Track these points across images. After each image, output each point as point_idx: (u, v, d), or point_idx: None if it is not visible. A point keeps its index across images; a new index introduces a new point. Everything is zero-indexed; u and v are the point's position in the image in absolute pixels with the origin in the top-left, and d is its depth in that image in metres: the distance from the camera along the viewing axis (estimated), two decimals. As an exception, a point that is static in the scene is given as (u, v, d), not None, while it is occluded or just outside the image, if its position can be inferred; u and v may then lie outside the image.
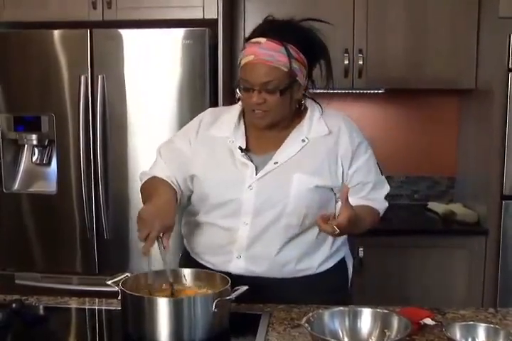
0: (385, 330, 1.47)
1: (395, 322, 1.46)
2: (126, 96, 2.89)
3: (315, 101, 1.90)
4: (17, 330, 1.66)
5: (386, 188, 1.97)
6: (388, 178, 3.51)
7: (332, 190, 1.85)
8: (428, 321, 1.62)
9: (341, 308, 1.52)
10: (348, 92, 3.47)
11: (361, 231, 1.84)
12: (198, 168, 1.87)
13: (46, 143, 2.99)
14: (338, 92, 3.49)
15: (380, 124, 3.63)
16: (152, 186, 1.88)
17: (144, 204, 1.80)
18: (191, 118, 1.99)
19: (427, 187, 3.65)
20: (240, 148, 1.83)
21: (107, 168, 2.92)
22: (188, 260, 1.97)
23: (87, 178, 2.90)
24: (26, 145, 3.04)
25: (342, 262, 1.98)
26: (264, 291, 1.79)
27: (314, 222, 1.81)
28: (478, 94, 3.24)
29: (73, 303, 1.84)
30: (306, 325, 1.43)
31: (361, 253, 2.94)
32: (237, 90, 1.79)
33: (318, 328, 1.45)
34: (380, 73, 3.21)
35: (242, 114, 1.90)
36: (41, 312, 1.76)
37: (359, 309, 1.52)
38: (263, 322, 1.65)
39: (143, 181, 1.95)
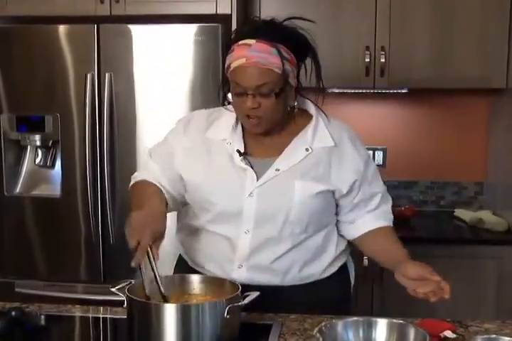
0: (402, 343, 1.49)
1: (412, 333, 1.48)
2: (135, 95, 2.92)
3: (320, 110, 1.93)
4: (16, 340, 1.69)
5: (390, 198, 2.03)
6: (413, 184, 3.62)
7: (333, 194, 1.89)
8: (448, 334, 1.63)
9: (355, 318, 1.54)
10: (369, 92, 3.49)
11: None
12: (194, 173, 1.90)
13: (50, 144, 3.03)
14: (358, 92, 3.51)
15: (404, 126, 3.64)
16: (142, 192, 1.92)
17: (133, 210, 1.82)
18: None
19: (454, 193, 3.65)
20: (239, 151, 1.85)
21: (114, 170, 2.95)
22: (185, 269, 1.98)
23: (92, 181, 2.94)
24: (29, 147, 3.08)
25: (344, 268, 2.02)
26: (265, 300, 1.78)
27: (318, 228, 1.89)
28: (509, 94, 3.24)
29: (76, 311, 1.88)
30: (318, 335, 1.45)
31: (382, 263, 2.95)
32: (229, 95, 1.80)
33: (331, 339, 1.47)
34: (404, 72, 3.22)
35: None
36: (42, 320, 1.78)
37: (374, 319, 1.54)
38: (274, 333, 1.67)
39: (131, 184, 2.01)
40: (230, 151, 1.86)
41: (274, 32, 1.77)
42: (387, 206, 2.01)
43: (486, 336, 1.53)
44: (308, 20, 1.85)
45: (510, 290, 3.05)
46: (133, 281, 1.67)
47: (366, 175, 1.91)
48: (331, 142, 1.87)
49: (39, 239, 3.05)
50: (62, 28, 2.92)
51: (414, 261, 1.78)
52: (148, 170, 2.00)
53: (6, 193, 3.06)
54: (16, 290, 3.04)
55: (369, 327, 1.53)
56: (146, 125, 2.94)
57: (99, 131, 2.93)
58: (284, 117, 1.85)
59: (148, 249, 1.65)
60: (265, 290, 1.79)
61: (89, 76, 2.90)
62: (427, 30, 3.22)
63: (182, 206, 2.00)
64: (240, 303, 1.58)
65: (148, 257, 1.66)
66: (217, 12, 2.94)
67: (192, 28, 2.87)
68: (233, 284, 1.67)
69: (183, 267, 2.00)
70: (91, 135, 2.92)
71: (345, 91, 3.44)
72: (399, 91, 3.40)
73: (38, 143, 3.01)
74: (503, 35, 3.19)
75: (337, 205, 1.94)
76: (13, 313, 1.72)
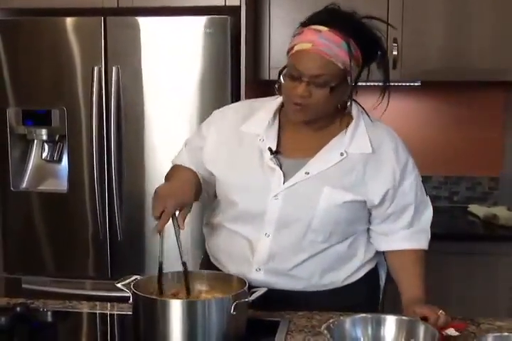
0: (411, 340, 1.49)
1: (421, 330, 1.48)
2: (143, 88, 2.93)
3: (364, 110, 1.88)
4: (21, 336, 1.71)
5: (429, 211, 1.96)
6: (425, 178, 3.52)
7: (365, 206, 1.84)
8: (451, 332, 1.61)
9: (364, 315, 1.54)
10: (381, 85, 3.47)
11: None
12: (219, 167, 1.88)
13: (57, 139, 3.04)
14: (369, 85, 3.49)
15: (417, 120, 3.63)
16: (172, 170, 1.96)
17: None
18: (212, 112, 2.02)
19: (468, 189, 3.64)
20: (270, 149, 1.81)
21: (122, 165, 2.96)
22: (208, 265, 1.99)
23: (100, 176, 2.95)
24: (36, 141, 3.09)
25: (373, 271, 1.99)
26: (283, 304, 1.82)
27: (342, 238, 1.85)
28: (525, 87, 3.23)
29: (81, 308, 1.89)
30: (326, 332, 1.45)
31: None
32: (281, 77, 1.75)
33: (339, 336, 1.48)
34: (417, 64, 3.20)
35: (279, 111, 1.88)
36: (48, 316, 1.79)
37: (383, 316, 1.54)
38: (281, 330, 1.67)
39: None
40: (262, 148, 1.83)
41: (349, 25, 1.72)
42: (423, 222, 1.93)
43: (497, 334, 1.52)
44: (389, 24, 1.85)
45: (524, 287, 3.05)
46: (138, 277, 1.68)
47: (402, 184, 1.84)
48: (369, 148, 1.81)
49: (46, 235, 3.06)
50: (68, 21, 2.92)
51: (423, 304, 1.74)
52: (179, 159, 2.01)
53: (12, 188, 3.07)
54: (23, 286, 3.06)
55: (378, 324, 1.53)
56: (154, 119, 2.94)
57: (106, 125, 2.93)
58: (330, 113, 1.81)
59: (174, 218, 1.70)
60: (284, 295, 1.83)
61: (96, 69, 2.90)
62: (441, 22, 3.20)
63: (213, 199, 1.99)
64: (246, 299, 1.58)
65: (174, 225, 1.70)
66: (226, 4, 2.93)
67: (200, 20, 2.86)
68: (240, 280, 1.67)
69: (207, 262, 2.01)
70: (98, 129, 2.92)
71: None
72: (412, 84, 3.38)
73: (45, 138, 3.02)
74: (519, 26, 3.17)
75: (370, 214, 1.89)
76: (18, 309, 1.74)
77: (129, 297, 1.61)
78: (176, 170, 1.96)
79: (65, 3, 2.99)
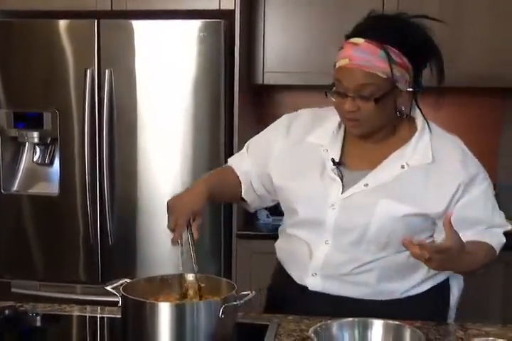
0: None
1: (408, 335, 1.51)
2: (136, 91, 2.97)
3: (426, 120, 1.85)
4: (9, 339, 1.72)
5: (504, 226, 1.88)
6: None
7: (427, 219, 1.80)
8: None
9: (351, 319, 1.57)
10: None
11: (469, 270, 1.77)
12: (282, 176, 1.92)
13: (48, 142, 3.08)
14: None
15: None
16: (215, 172, 2.05)
17: None
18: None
19: (463, 196, 3.66)
20: (333, 160, 1.83)
21: (114, 168, 3.00)
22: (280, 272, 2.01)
23: (91, 179, 2.98)
24: (27, 144, 3.13)
25: (443, 285, 1.93)
26: (339, 311, 1.76)
27: (400, 248, 1.75)
28: (524, 93, 3.24)
29: (70, 311, 1.91)
30: (313, 335, 1.48)
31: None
32: (330, 94, 1.75)
33: (327, 340, 1.51)
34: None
35: None
36: (37, 320, 1.81)
37: (370, 320, 1.56)
38: (270, 334, 1.70)
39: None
40: (325, 158, 1.85)
41: (390, 30, 1.71)
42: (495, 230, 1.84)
43: (483, 338, 1.56)
44: (437, 20, 1.81)
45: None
46: (128, 280, 1.71)
47: (465, 195, 1.77)
48: (430, 158, 1.79)
49: (36, 238, 3.10)
50: (62, 23, 2.97)
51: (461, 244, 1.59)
52: (241, 161, 2.05)
53: (2, 191, 3.10)
54: (13, 290, 3.09)
55: (364, 328, 1.55)
56: (147, 122, 2.98)
57: (98, 128, 2.97)
58: (388, 122, 1.80)
59: (188, 228, 1.77)
60: (339, 300, 1.84)
61: (88, 72, 2.94)
62: (437, 27, 3.18)
63: (271, 201, 2.07)
64: (235, 303, 1.61)
65: (188, 235, 1.77)
66: (221, 8, 2.98)
67: (194, 24, 2.91)
68: (229, 283, 1.70)
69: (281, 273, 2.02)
70: (90, 132, 2.96)
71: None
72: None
73: (36, 140, 3.05)
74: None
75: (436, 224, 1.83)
76: (7, 312, 1.75)
77: (119, 301, 1.64)
78: (216, 172, 2.05)
79: (59, 6, 3.04)
